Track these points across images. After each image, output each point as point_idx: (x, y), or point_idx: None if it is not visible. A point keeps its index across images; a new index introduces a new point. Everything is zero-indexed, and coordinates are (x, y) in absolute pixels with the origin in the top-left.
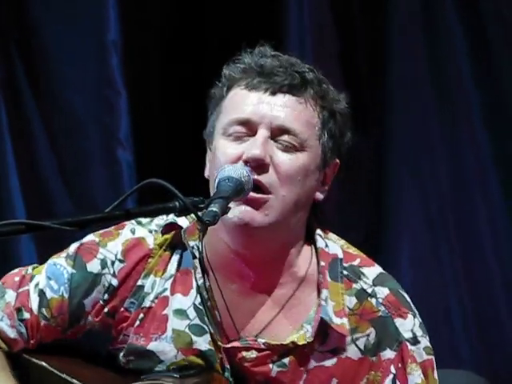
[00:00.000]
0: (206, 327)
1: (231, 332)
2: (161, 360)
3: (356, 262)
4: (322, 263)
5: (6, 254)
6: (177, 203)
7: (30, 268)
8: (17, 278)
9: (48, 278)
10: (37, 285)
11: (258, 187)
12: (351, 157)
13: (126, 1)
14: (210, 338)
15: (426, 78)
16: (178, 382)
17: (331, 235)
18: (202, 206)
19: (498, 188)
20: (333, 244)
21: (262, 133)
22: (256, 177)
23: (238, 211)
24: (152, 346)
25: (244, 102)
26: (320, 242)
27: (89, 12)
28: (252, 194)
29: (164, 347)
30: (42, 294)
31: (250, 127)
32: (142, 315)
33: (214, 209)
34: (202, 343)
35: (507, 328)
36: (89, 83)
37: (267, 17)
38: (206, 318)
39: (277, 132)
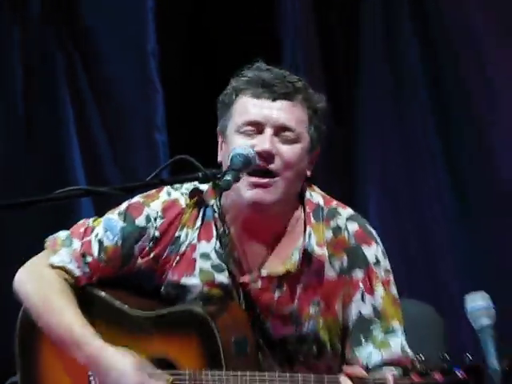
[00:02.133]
0: (224, 265)
1: (243, 269)
2: (191, 291)
3: (334, 205)
4: (308, 209)
5: (74, 212)
6: (200, 173)
7: (91, 220)
8: (81, 230)
9: (105, 230)
10: (96, 235)
11: (268, 172)
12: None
13: (161, 18)
14: (227, 274)
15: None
16: (204, 307)
17: (315, 188)
18: (219, 175)
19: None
20: (316, 195)
21: (268, 131)
22: (266, 165)
23: (252, 193)
24: (184, 280)
25: (252, 107)
26: (307, 194)
27: (133, 27)
28: (262, 180)
29: (193, 282)
30: (100, 242)
31: (257, 127)
32: (178, 258)
33: (228, 178)
34: (222, 278)
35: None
36: (134, 83)
37: (268, 42)
38: (224, 259)
39: (279, 130)
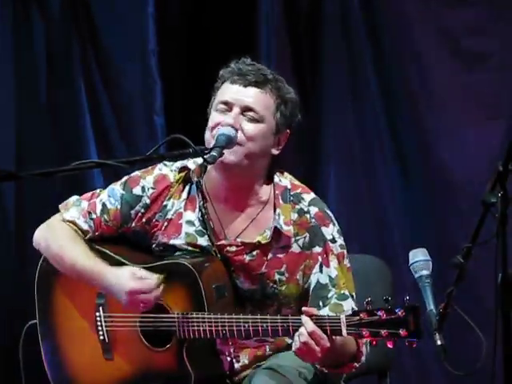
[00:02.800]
0: (205, 231)
1: (220, 235)
2: (177, 250)
3: (299, 191)
4: (277, 192)
5: (84, 183)
6: (190, 149)
7: (98, 190)
8: (89, 194)
9: (108, 196)
10: (101, 200)
11: None
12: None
13: (160, 21)
14: (207, 238)
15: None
16: (189, 260)
17: (285, 174)
18: (207, 152)
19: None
20: (284, 179)
21: (235, 110)
22: None
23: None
24: (172, 241)
25: (228, 90)
26: (276, 179)
27: (137, 30)
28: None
29: (179, 242)
30: (104, 205)
31: (229, 106)
32: (166, 223)
33: (214, 153)
34: (203, 241)
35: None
36: (137, 75)
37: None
38: (205, 226)
39: (244, 109)
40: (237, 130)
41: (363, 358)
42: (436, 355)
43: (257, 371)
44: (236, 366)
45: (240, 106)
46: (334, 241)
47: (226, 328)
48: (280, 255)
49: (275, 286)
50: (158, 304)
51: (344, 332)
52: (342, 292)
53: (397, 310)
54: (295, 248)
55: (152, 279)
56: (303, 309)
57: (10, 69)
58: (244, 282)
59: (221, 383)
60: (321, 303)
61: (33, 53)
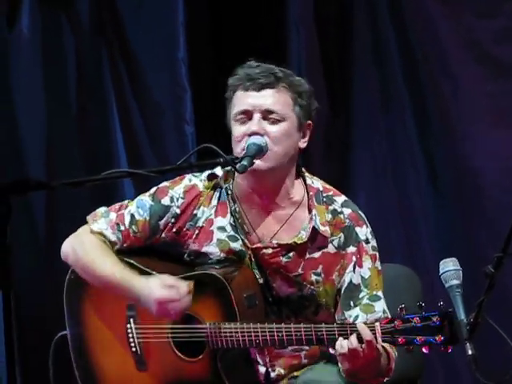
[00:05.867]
0: (238, 236)
1: (254, 238)
2: (210, 258)
3: (331, 193)
4: (310, 193)
5: (115, 193)
6: (221, 159)
7: (126, 201)
8: (117, 206)
9: (137, 207)
10: (129, 211)
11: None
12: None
13: (190, 30)
14: (241, 243)
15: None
16: (219, 270)
17: (315, 177)
18: (237, 161)
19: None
20: (316, 181)
21: (256, 116)
22: None
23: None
24: (204, 249)
25: (242, 99)
26: (308, 180)
27: (166, 37)
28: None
29: (212, 250)
30: (132, 216)
31: (248, 114)
32: (197, 231)
33: (245, 163)
34: (236, 246)
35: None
36: (167, 84)
37: (276, 48)
38: (237, 231)
39: (265, 113)
40: (264, 137)
41: (391, 374)
42: (467, 365)
43: None
44: (272, 374)
45: (260, 111)
46: (367, 241)
47: (260, 337)
48: (316, 255)
49: (312, 287)
50: (189, 315)
51: (379, 339)
52: (374, 293)
53: (431, 317)
54: (330, 248)
55: (181, 287)
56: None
57: (40, 79)
58: (281, 286)
59: None
60: (352, 303)
61: (63, 63)
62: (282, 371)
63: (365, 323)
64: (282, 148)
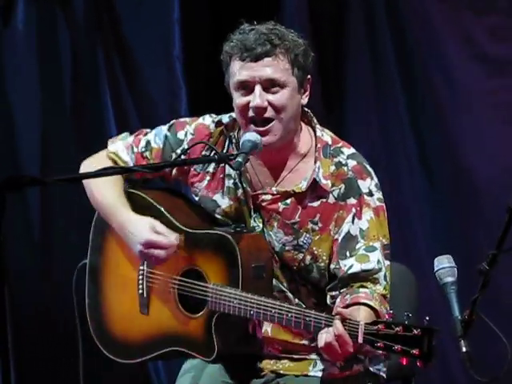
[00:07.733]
0: (240, 184)
1: (257, 186)
2: (219, 205)
3: (339, 145)
4: (319, 145)
5: None
6: (216, 156)
7: (148, 129)
8: (137, 132)
9: (154, 135)
10: (147, 137)
11: (265, 120)
12: None
13: (185, 29)
14: (241, 191)
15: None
16: (235, 236)
17: (326, 130)
18: (232, 157)
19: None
20: (326, 134)
21: (258, 88)
22: (262, 115)
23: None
24: (215, 197)
25: (241, 69)
26: (318, 132)
27: (161, 34)
28: (260, 129)
29: (221, 198)
30: (148, 142)
31: (248, 85)
32: (208, 177)
33: (239, 159)
34: (239, 192)
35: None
36: (162, 81)
37: None
38: (242, 179)
39: (266, 83)
40: (261, 135)
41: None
42: (461, 362)
43: None
44: (261, 331)
45: (260, 82)
46: (370, 194)
47: (254, 309)
48: (314, 204)
49: (308, 235)
50: (200, 272)
51: (360, 339)
52: (371, 244)
53: (413, 329)
54: (330, 199)
55: (171, 237)
56: (337, 310)
57: (35, 75)
58: (277, 232)
59: (245, 366)
60: (347, 253)
61: (58, 58)
62: (269, 330)
63: (349, 319)
64: (287, 114)
